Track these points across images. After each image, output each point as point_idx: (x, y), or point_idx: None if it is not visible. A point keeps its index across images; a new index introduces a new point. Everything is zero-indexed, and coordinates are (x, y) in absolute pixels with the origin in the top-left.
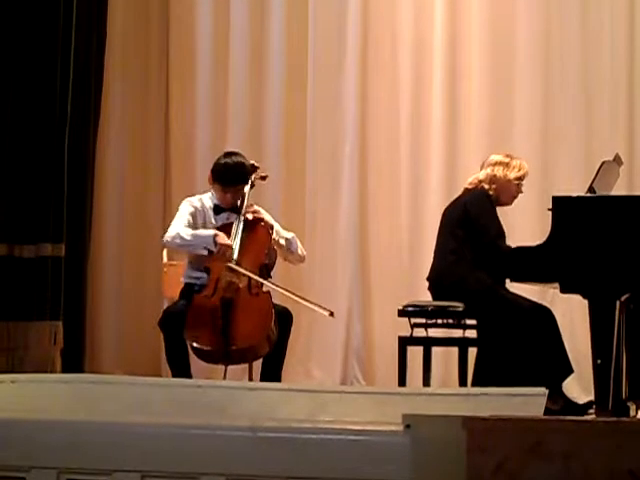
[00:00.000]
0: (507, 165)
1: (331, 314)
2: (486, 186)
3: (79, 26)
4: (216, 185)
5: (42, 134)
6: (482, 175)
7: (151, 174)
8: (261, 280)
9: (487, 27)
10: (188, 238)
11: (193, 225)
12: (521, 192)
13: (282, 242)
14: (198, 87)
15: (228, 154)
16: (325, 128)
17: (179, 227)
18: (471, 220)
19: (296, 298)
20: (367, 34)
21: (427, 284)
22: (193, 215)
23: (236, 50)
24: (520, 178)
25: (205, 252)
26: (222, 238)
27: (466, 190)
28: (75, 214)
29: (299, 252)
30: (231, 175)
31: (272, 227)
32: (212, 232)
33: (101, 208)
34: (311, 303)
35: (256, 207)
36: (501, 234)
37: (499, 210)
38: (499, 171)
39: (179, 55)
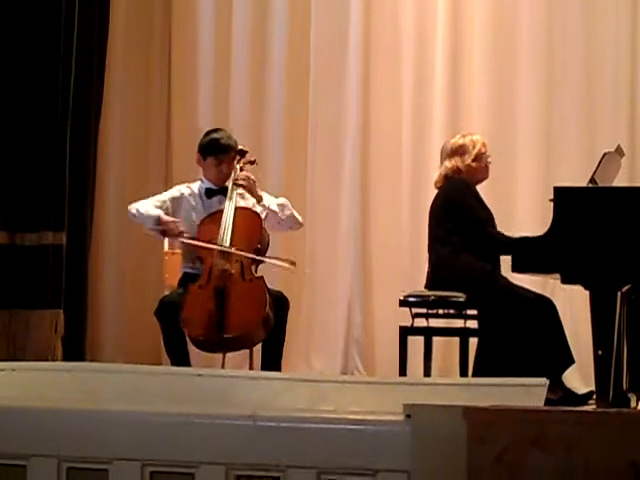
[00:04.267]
0: (462, 150)
1: (292, 263)
2: (452, 177)
3: (81, 22)
4: (209, 160)
5: (44, 123)
6: (443, 169)
7: (152, 164)
8: (252, 256)
9: (489, 18)
10: (141, 211)
11: (171, 209)
12: (489, 163)
13: (274, 208)
14: (200, 83)
15: (212, 130)
16: (326, 123)
17: (146, 202)
18: (455, 209)
19: (256, 257)
20: (369, 27)
21: (425, 280)
22: (175, 199)
23: (238, 47)
24: (478, 157)
25: (149, 231)
26: (165, 217)
27: (438, 188)
28: (76, 202)
29: (295, 215)
30: (223, 143)
31: (261, 198)
32: (157, 213)
33: (102, 197)
34: (271, 258)
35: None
36: (489, 218)
37: (497, 198)
38: (457, 161)
39: (181, 53)
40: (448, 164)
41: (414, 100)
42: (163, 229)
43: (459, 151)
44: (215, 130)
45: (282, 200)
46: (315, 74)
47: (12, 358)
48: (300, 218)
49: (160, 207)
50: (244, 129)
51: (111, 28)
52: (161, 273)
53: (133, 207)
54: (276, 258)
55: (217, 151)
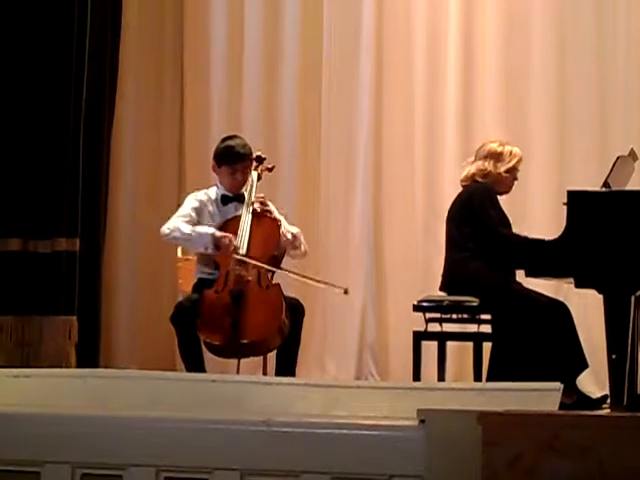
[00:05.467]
0: (498, 157)
1: (345, 292)
2: (479, 179)
3: (94, 28)
4: (223, 168)
5: (57, 130)
6: (474, 168)
7: (165, 170)
8: (270, 267)
9: (502, 23)
10: (187, 232)
11: (196, 220)
12: (516, 179)
13: (289, 236)
14: (212, 84)
15: (228, 137)
16: (339, 130)
17: (179, 221)
18: (473, 215)
19: (308, 280)
20: (381, 33)
21: (440, 282)
22: (197, 210)
23: (250, 53)
24: (511, 169)
25: (203, 249)
26: (220, 233)
27: (463, 186)
28: (90, 209)
29: (302, 248)
30: (237, 152)
31: (279, 221)
32: (211, 230)
33: (116, 203)
34: (323, 283)
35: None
36: (504, 223)
37: (511, 201)
38: (490, 165)
39: (193, 59)
40: (481, 165)
41: (426, 105)
42: (221, 246)
43: (495, 156)
44: (231, 137)
45: (296, 230)
46: (327, 80)
47: (26, 365)
48: (307, 249)
49: (190, 222)
50: (257, 135)
51: (123, 35)
52: (175, 279)
53: (173, 229)
54: (329, 283)
55: (231, 159)
